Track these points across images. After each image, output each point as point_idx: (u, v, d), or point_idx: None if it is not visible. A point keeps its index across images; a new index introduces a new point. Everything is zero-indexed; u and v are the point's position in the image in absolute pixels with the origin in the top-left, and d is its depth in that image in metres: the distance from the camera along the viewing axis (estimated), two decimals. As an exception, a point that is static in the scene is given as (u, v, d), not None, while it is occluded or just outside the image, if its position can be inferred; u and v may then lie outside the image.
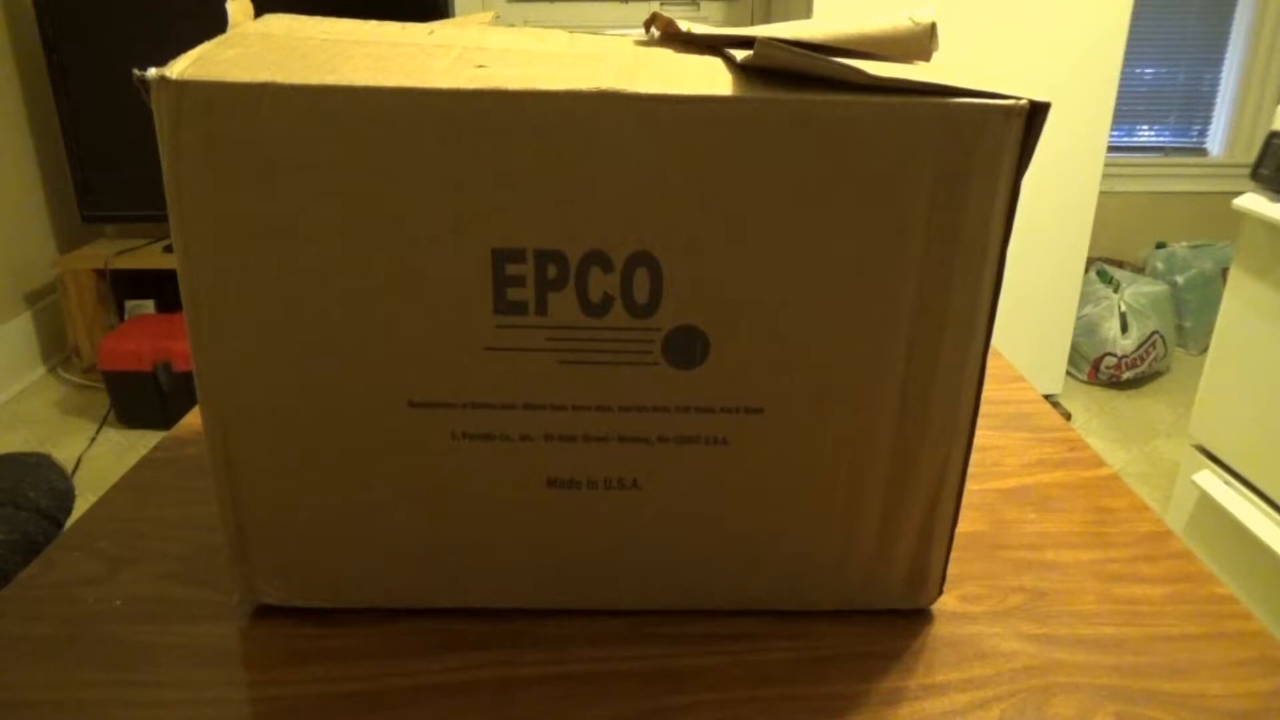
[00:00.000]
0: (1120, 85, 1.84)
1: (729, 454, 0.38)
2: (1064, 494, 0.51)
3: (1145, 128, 2.66)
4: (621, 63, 0.35)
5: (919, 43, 0.37)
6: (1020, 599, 0.43)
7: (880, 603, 0.41)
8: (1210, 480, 1.31)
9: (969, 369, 0.37)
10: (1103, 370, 2.23)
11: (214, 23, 0.35)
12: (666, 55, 0.37)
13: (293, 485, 0.38)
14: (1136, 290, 2.24)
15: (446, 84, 0.32)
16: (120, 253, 2.13)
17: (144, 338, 1.93)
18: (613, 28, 2.38)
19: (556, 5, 2.40)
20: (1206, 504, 1.32)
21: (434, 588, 0.41)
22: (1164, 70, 2.60)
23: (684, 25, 0.39)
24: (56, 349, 2.26)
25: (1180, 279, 2.37)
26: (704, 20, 2.27)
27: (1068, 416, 2.07)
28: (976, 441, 0.39)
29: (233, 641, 0.39)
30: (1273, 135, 1.21)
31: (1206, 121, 2.65)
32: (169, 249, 2.11)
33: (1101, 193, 1.92)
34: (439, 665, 0.38)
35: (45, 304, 2.23)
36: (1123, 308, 2.22)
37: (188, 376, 1.71)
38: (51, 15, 1.98)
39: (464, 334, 0.35)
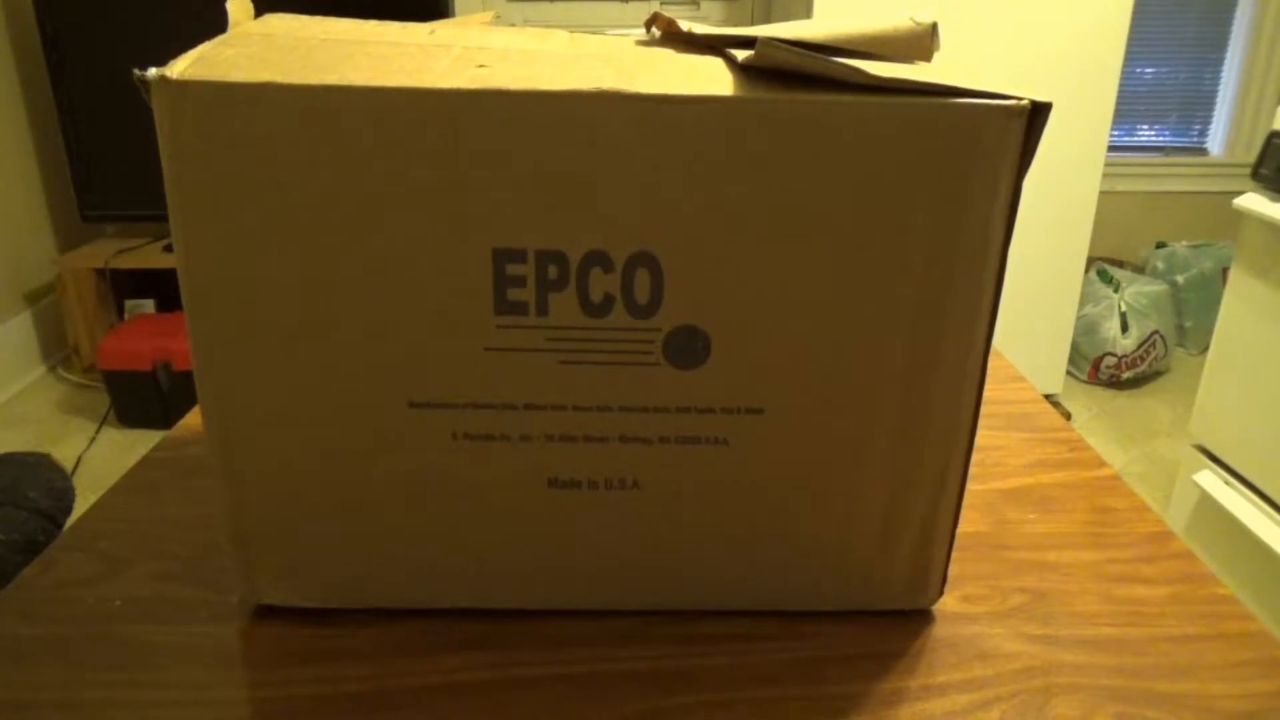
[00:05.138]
0: (1120, 85, 1.83)
1: (729, 454, 0.38)
2: (1065, 494, 0.51)
3: (1145, 127, 2.67)
4: (622, 63, 0.35)
5: (920, 43, 0.37)
6: (1021, 599, 0.43)
7: (881, 603, 0.41)
8: (1210, 480, 1.31)
9: (969, 369, 0.37)
10: (1103, 370, 2.23)
11: (214, 23, 0.35)
12: (667, 55, 0.37)
13: (293, 485, 0.38)
14: (1137, 290, 2.24)
15: (447, 84, 0.32)
16: (120, 252, 2.13)
17: (144, 337, 1.93)
18: (613, 28, 2.38)
19: (556, 5, 2.40)
20: (1206, 504, 1.32)
21: (434, 588, 0.41)
22: (1164, 70, 2.60)
23: (685, 25, 0.39)
24: (56, 348, 2.26)
25: (1180, 279, 2.37)
26: (704, 20, 2.27)
27: (1068, 416, 2.07)
28: (977, 441, 0.39)
29: (233, 641, 0.39)
30: (1273, 135, 1.21)
31: (1207, 121, 2.65)
32: (169, 249, 2.12)
33: (1102, 192, 1.92)
34: (439, 665, 0.38)
35: (45, 303, 2.23)
36: (1123, 307, 2.22)
37: (188, 376, 1.71)
38: (51, 14, 1.98)
39: (464, 334, 0.35)
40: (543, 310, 0.35)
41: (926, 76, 0.33)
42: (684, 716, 0.36)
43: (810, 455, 0.38)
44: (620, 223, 0.34)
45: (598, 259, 0.34)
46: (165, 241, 2.19)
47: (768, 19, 2.38)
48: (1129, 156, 2.62)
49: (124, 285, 2.18)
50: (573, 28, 0.43)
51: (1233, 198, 1.24)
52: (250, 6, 0.39)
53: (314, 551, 0.40)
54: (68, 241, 2.30)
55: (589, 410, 0.37)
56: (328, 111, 0.32)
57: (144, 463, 0.52)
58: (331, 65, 0.33)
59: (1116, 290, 2.25)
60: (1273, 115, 1.27)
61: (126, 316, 2.15)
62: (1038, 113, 0.33)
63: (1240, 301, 1.26)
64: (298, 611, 0.41)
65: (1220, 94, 2.61)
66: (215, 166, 0.33)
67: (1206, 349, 1.44)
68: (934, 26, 0.36)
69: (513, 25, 0.45)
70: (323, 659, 0.38)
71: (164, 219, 0.33)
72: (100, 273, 2.12)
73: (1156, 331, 2.22)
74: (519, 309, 0.35)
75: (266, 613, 0.41)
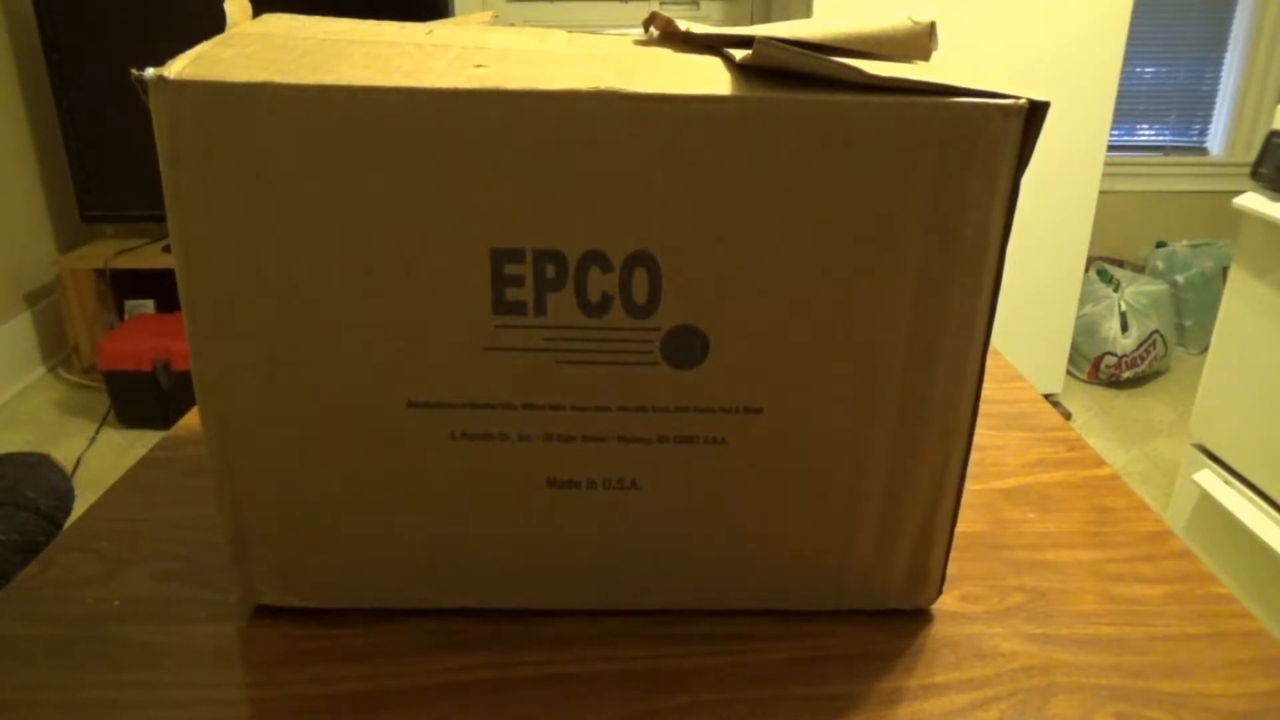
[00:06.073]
0: (1120, 84, 1.83)
1: (728, 454, 0.38)
2: (1064, 494, 0.51)
3: (1145, 127, 2.66)
4: (621, 62, 0.35)
5: (918, 42, 0.37)
6: (1020, 599, 0.43)
7: (880, 603, 0.41)
8: (1210, 480, 1.31)
9: (969, 369, 0.37)
10: (1103, 370, 2.23)
11: (213, 23, 0.35)
12: (666, 55, 0.37)
13: (292, 485, 0.38)
14: (1137, 289, 2.24)
15: (445, 84, 0.32)
16: (120, 252, 2.13)
17: (144, 337, 1.93)
18: (612, 28, 2.38)
19: (556, 5, 2.40)
20: (1206, 504, 1.32)
21: (434, 588, 0.41)
22: (1164, 69, 2.60)
23: (683, 24, 0.39)
24: (56, 349, 2.26)
25: (1180, 278, 2.37)
26: (703, 20, 2.27)
27: (1068, 416, 2.07)
28: (976, 441, 0.39)
29: (233, 641, 0.39)
30: (1273, 134, 1.21)
31: (1206, 121, 2.65)
32: (169, 249, 2.11)
33: (1101, 192, 1.92)
34: (439, 665, 0.38)
35: (45, 304, 2.23)
36: (1123, 307, 2.22)
37: (188, 376, 1.71)
38: (51, 15, 1.98)
39: (463, 334, 0.35)
40: (541, 310, 0.35)
41: (925, 76, 0.33)
42: (683, 716, 0.36)
43: (809, 455, 0.38)
44: (618, 222, 0.34)
45: (596, 258, 0.34)
46: (165, 242, 2.19)
47: (767, 18, 2.38)
48: (1129, 156, 2.62)
49: (124, 285, 2.18)
50: (571, 28, 0.43)
51: (1233, 197, 1.24)
52: (248, 6, 0.39)
53: (313, 551, 0.40)
54: (68, 242, 2.30)
55: (588, 410, 0.37)
56: (326, 111, 0.32)
57: (143, 463, 0.52)
58: (329, 65, 0.33)
59: (1116, 290, 2.25)
60: (1273, 115, 1.27)
61: (126, 317, 2.15)
62: (1035, 112, 0.33)
63: (1240, 301, 1.26)
64: (296, 611, 0.41)
65: (1220, 94, 2.61)
66: (213, 166, 0.33)
67: (1206, 349, 1.44)
68: (932, 26, 0.36)
69: (511, 25, 0.45)
70: (322, 659, 0.38)
71: (164, 219, 0.33)
72: (100, 273, 2.12)
73: (1156, 331, 2.22)
74: (517, 309, 0.35)
75: (265, 613, 0.41)
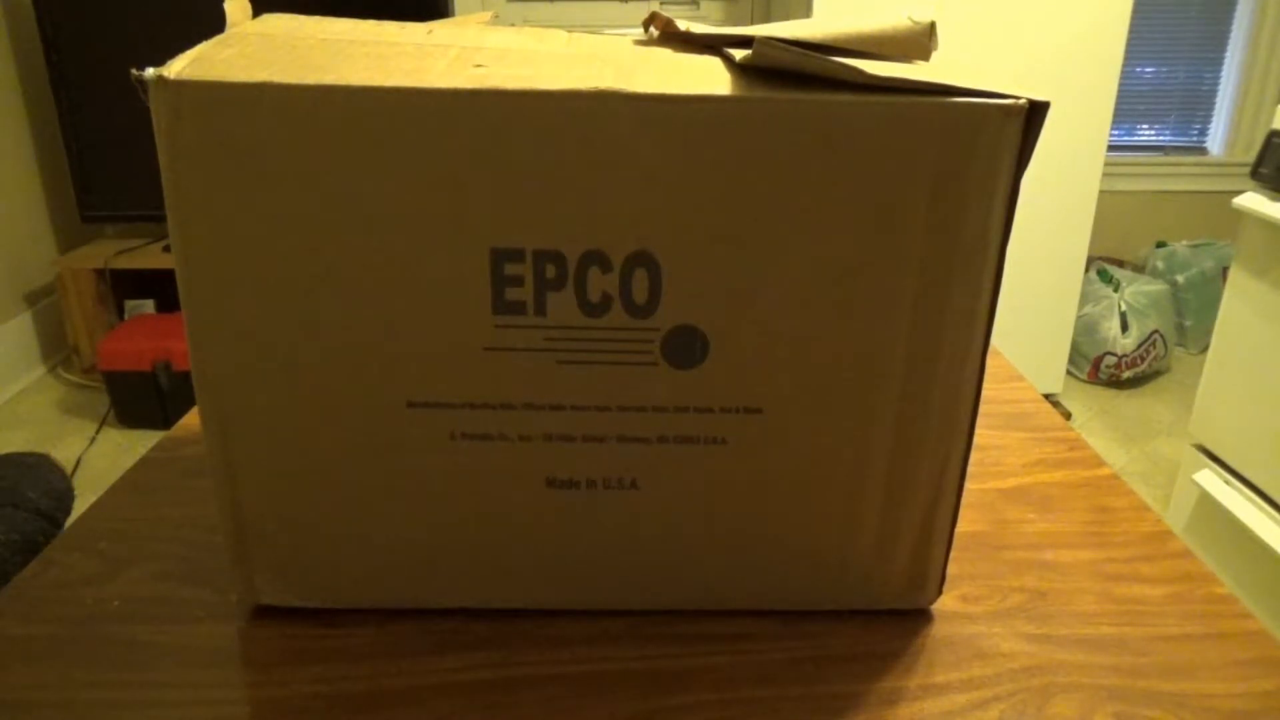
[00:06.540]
0: (1120, 84, 1.84)
1: (728, 454, 0.38)
2: (1064, 494, 0.51)
3: (1145, 127, 2.66)
4: (620, 62, 0.35)
5: (918, 42, 0.37)
6: (1020, 599, 0.43)
7: (880, 603, 0.41)
8: (1210, 480, 1.31)
9: (969, 368, 0.37)
10: (1103, 370, 2.23)
11: (214, 23, 0.35)
12: (665, 55, 0.37)
13: (292, 485, 0.38)
14: (1137, 289, 2.24)
15: (445, 84, 0.32)
16: (120, 252, 2.13)
17: (144, 337, 1.93)
18: (612, 27, 2.38)
19: (556, 5, 2.40)
20: (1206, 504, 1.32)
21: (434, 588, 0.41)
22: (1164, 69, 2.60)
23: (683, 24, 0.39)
24: (56, 349, 2.26)
25: (1180, 278, 2.37)
26: (703, 20, 2.27)
27: (1068, 416, 2.07)
28: (976, 441, 0.39)
29: (233, 641, 0.39)
30: (1273, 134, 1.21)
31: (1206, 121, 2.65)
32: (169, 249, 2.11)
33: (1101, 192, 1.92)
34: (439, 665, 0.38)
35: (45, 304, 2.23)
36: (1123, 307, 2.22)
37: (188, 376, 1.71)
38: (51, 15, 1.98)
39: (463, 334, 0.35)
40: (541, 310, 0.35)
41: (924, 76, 0.33)
42: (682, 716, 0.36)
43: (809, 455, 0.38)
44: (618, 222, 0.34)
45: (596, 258, 0.34)
46: (165, 242, 2.19)
47: (767, 19, 2.38)
48: (1129, 156, 2.62)
49: (124, 285, 2.18)
50: (571, 28, 0.44)
51: (1232, 197, 1.24)
52: (248, 6, 0.39)
53: (312, 551, 0.40)
54: (68, 242, 2.30)
55: (587, 410, 0.37)
56: (326, 111, 0.32)
57: (143, 463, 0.52)
58: (329, 65, 0.33)
59: (1116, 290, 2.25)
60: (1273, 115, 1.27)
61: (126, 317, 2.15)
62: (1035, 112, 0.33)
63: (1240, 301, 1.26)
64: (296, 611, 0.41)
65: (1220, 94, 2.61)
66: (213, 166, 0.33)
67: (1206, 349, 1.44)
68: (932, 26, 0.36)
69: (511, 25, 0.45)
70: (322, 659, 0.38)
71: (164, 219, 0.33)
72: (100, 273, 2.12)
73: (1156, 331, 2.22)
74: (517, 309, 0.35)
75: (265, 613, 0.41)
